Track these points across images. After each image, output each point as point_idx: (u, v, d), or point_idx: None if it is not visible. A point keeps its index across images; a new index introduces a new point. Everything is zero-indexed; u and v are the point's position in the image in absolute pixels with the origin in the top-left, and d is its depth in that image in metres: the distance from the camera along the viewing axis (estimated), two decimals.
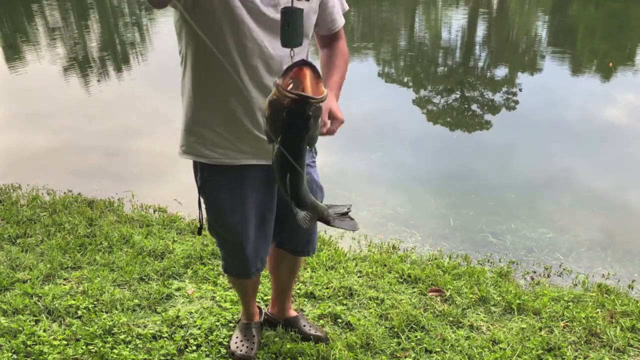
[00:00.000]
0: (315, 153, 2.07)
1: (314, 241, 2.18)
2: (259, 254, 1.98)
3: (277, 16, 1.54)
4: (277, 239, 2.09)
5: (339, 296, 2.68)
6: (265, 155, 1.69)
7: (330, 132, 1.97)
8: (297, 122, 1.30)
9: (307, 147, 1.40)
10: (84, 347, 2.28)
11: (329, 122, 1.87)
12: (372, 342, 2.34)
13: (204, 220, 1.95)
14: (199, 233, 1.98)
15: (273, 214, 1.94)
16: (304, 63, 1.28)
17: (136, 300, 2.62)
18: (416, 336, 2.40)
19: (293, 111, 1.28)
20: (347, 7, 1.90)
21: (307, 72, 1.29)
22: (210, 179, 1.81)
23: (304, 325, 2.38)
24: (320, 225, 2.15)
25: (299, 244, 2.14)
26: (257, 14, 1.57)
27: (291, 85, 1.29)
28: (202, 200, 1.88)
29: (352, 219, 1.77)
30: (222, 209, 1.84)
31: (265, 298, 2.65)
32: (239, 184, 1.80)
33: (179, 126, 1.81)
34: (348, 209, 1.75)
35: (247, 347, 2.25)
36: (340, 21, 1.88)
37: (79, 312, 2.53)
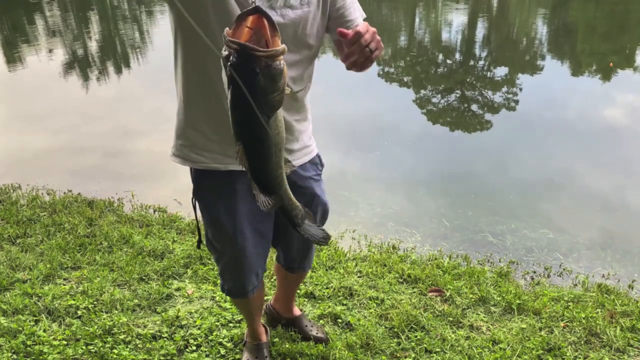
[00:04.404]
0: (322, 165, 1.91)
1: (310, 257, 2.11)
2: (253, 268, 1.87)
3: (272, 14, 1.45)
4: (276, 254, 2.06)
5: (339, 296, 2.68)
6: None
7: (372, 54, 1.35)
8: (242, 79, 1.10)
9: (266, 115, 1.18)
10: (83, 347, 2.28)
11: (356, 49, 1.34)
12: (372, 342, 2.34)
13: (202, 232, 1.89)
14: (198, 246, 1.90)
15: (267, 225, 1.84)
16: (257, 10, 1.11)
17: (136, 300, 2.62)
18: (416, 336, 2.39)
19: (236, 65, 1.09)
20: (364, 15, 1.70)
21: (263, 21, 1.11)
22: (202, 186, 1.74)
23: (306, 325, 2.37)
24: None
25: (295, 261, 2.08)
26: None
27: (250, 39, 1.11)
28: (197, 208, 1.80)
29: (324, 231, 1.61)
30: (215, 218, 1.75)
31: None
32: (230, 192, 1.70)
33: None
34: (323, 231, 1.59)
35: None
36: (358, 22, 1.65)
37: (79, 312, 2.53)
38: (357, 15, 1.66)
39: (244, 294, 1.94)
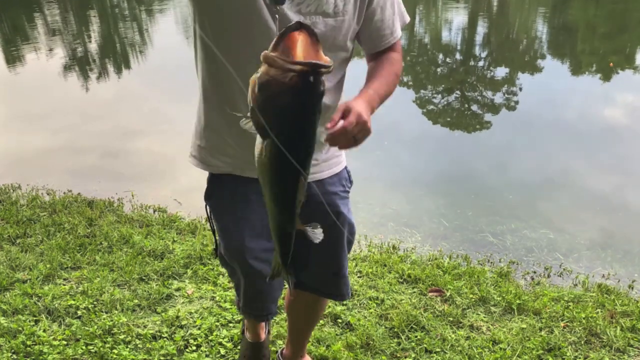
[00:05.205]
0: (350, 182, 1.70)
1: (343, 284, 1.78)
2: (270, 286, 1.71)
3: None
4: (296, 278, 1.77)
5: None
6: None
7: (356, 143, 1.35)
8: (308, 105, 0.96)
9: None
10: (83, 347, 2.28)
11: (355, 129, 1.27)
12: (372, 342, 2.33)
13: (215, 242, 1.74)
14: (216, 255, 1.73)
15: None
16: (301, 26, 0.98)
17: (136, 301, 2.62)
18: (416, 336, 2.39)
19: (302, 90, 0.94)
20: (407, 19, 1.58)
21: (305, 36, 0.98)
22: (215, 192, 1.63)
23: None
24: None
25: (324, 283, 1.78)
26: (281, 18, 1.32)
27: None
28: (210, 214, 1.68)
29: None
30: (225, 226, 1.63)
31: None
32: (244, 201, 1.57)
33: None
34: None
35: None
36: (392, 38, 1.55)
37: (79, 312, 2.53)
38: (394, 28, 1.54)
39: (261, 318, 1.80)
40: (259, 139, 1.08)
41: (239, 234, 1.58)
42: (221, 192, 1.61)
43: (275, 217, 1.23)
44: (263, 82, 0.97)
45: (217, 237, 1.67)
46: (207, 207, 1.66)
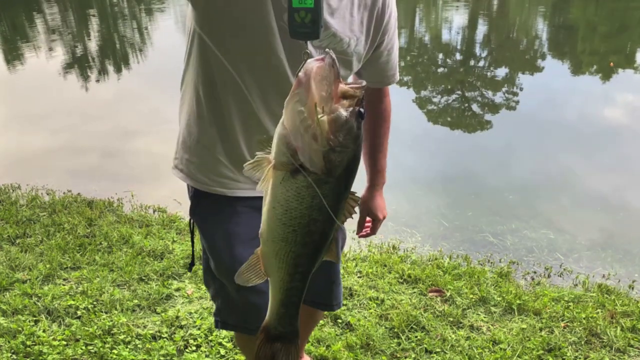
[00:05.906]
0: None
1: (339, 292, 1.79)
2: (263, 298, 1.56)
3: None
4: None
5: None
6: None
7: (372, 232, 1.69)
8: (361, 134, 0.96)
9: None
10: (83, 348, 2.28)
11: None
12: (372, 343, 2.33)
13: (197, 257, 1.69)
14: (190, 269, 1.69)
15: None
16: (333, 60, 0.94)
17: (136, 301, 2.61)
18: (416, 336, 2.39)
19: (365, 111, 0.94)
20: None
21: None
22: (202, 207, 1.53)
23: None
24: None
25: (321, 293, 1.73)
26: (295, 49, 1.27)
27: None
28: (194, 229, 1.59)
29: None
30: (215, 244, 1.51)
31: None
32: (233, 214, 1.49)
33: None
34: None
35: None
36: (392, 79, 1.62)
37: (79, 313, 2.52)
38: (392, 73, 1.62)
39: (254, 330, 1.53)
40: (281, 179, 0.97)
41: (229, 251, 1.47)
42: (208, 207, 1.52)
43: (308, 261, 1.12)
44: (347, 115, 0.92)
45: (208, 254, 1.55)
46: (192, 222, 1.57)
